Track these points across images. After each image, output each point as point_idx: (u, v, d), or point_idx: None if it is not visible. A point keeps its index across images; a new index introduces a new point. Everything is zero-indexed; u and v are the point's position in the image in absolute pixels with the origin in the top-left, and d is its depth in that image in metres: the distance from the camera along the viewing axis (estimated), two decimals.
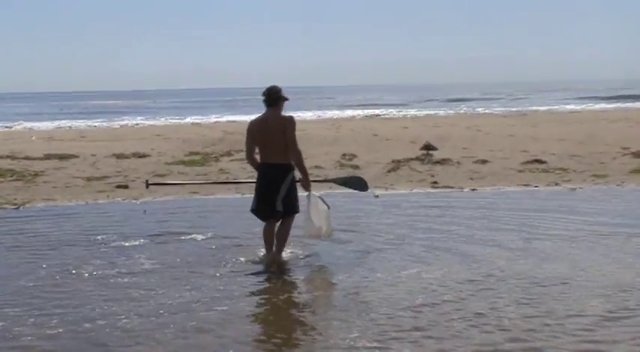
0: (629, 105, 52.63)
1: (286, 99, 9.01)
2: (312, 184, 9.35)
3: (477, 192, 14.64)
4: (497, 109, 52.17)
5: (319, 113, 51.75)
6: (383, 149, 21.92)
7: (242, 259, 9.17)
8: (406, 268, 8.60)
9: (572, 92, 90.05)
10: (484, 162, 18.70)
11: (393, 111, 52.81)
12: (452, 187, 15.25)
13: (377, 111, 52.42)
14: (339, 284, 8.10)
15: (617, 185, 15.16)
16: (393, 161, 19.00)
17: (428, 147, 21.39)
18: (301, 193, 9.18)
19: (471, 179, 16.25)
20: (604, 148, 20.62)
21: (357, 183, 10.12)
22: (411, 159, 19.28)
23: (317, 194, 9.22)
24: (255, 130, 8.98)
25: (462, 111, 49.88)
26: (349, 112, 52.79)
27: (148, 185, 10.63)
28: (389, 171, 17.60)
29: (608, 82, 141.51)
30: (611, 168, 17.25)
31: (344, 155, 20.16)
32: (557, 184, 15.39)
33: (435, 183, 15.78)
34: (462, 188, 15.12)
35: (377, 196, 14.02)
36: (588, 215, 11.80)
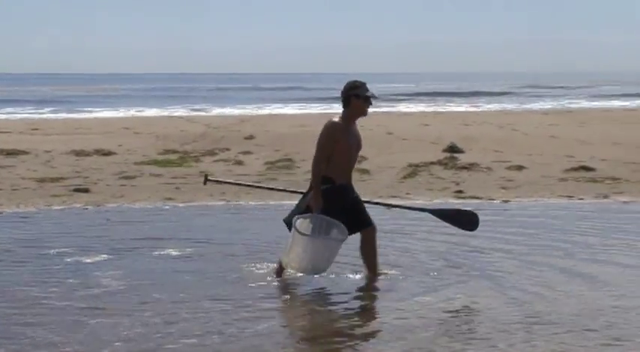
0: None
1: (359, 97, 8.88)
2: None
3: (510, 205, 14.58)
4: (536, 105, 52.19)
5: (324, 106, 51.75)
6: (398, 150, 21.88)
7: (226, 280, 9.12)
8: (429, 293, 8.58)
9: (624, 86, 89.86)
10: (520, 168, 18.66)
11: (407, 105, 52.83)
12: (480, 198, 15.20)
13: (384, 105, 52.40)
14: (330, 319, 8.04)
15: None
16: (410, 165, 18.95)
17: (452, 148, 21.35)
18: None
19: (504, 188, 16.21)
20: None
21: (461, 219, 9.78)
22: (432, 163, 19.23)
23: (321, 218, 8.85)
24: None
25: (495, 107, 49.88)
26: None
27: (206, 180, 10.57)
28: (405, 178, 17.56)
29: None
30: None
31: None
32: (606, 197, 15.36)
33: (460, 192, 15.75)
34: (493, 199, 15.08)
35: None
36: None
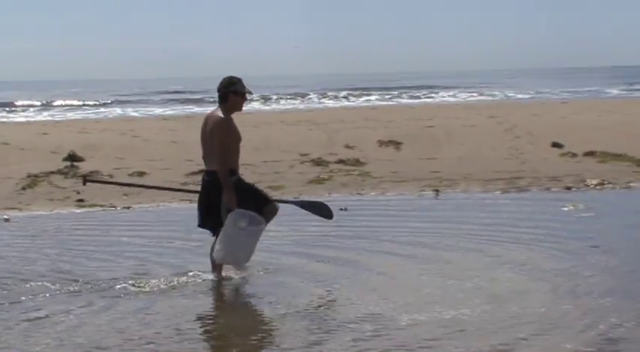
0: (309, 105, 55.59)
1: (236, 93, 9.31)
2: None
3: (133, 211, 14.81)
4: (154, 111, 52.61)
5: None
6: (16, 161, 21.40)
7: None
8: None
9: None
10: (141, 174, 18.89)
11: (24, 114, 51.73)
12: (102, 205, 15.31)
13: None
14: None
15: (294, 198, 16.04)
16: (28, 175, 18.65)
17: (73, 157, 21.16)
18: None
19: (126, 195, 16.35)
20: (280, 155, 21.65)
21: (319, 209, 10.47)
22: (52, 172, 19.04)
23: (243, 212, 9.26)
24: (201, 130, 9.46)
25: (115, 113, 49.90)
26: None
27: (85, 181, 10.67)
28: (24, 188, 17.28)
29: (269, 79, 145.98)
30: (287, 179, 18.20)
31: None
32: None
33: (81, 200, 15.75)
34: (114, 206, 15.23)
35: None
36: None
